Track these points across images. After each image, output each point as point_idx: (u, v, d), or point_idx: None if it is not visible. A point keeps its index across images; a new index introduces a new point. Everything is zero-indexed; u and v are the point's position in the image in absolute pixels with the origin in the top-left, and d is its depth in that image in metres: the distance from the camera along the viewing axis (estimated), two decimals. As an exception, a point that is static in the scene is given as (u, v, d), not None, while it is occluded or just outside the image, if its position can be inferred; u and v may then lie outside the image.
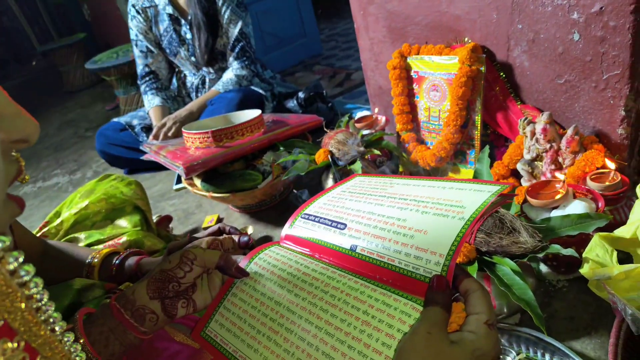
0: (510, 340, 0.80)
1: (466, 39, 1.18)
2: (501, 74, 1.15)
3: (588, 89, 1.00)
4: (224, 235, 0.79)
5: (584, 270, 0.72)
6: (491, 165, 1.17)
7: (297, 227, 0.65)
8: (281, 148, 1.38)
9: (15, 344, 0.33)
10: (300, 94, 1.98)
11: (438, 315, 0.43)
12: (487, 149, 0.97)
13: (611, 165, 0.93)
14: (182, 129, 1.41)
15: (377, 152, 1.27)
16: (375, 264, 0.51)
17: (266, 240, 1.34)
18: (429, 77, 1.27)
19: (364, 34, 1.49)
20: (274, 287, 0.55)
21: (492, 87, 1.16)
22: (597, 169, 0.96)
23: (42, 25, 5.68)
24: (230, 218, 1.53)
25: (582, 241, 0.85)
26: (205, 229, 1.49)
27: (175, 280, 0.55)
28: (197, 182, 1.42)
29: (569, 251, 0.74)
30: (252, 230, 1.35)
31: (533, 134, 1.05)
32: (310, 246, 0.61)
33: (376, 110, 1.47)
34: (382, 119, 1.45)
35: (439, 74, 1.23)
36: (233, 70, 1.98)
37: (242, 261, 0.62)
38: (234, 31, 1.97)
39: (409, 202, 0.57)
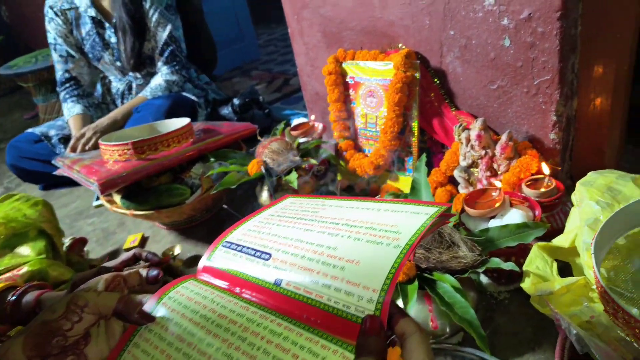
0: (453, 361, 0.76)
1: (400, 45, 1.15)
2: (435, 80, 1.13)
3: (520, 95, 0.99)
4: (128, 271, 0.68)
5: (526, 285, 0.69)
6: (429, 172, 1.14)
7: (216, 257, 0.57)
8: (212, 159, 1.28)
9: None
10: (235, 101, 1.88)
11: None
12: (423, 157, 0.94)
13: (546, 170, 0.92)
14: (99, 141, 1.28)
15: (313, 161, 1.20)
16: (302, 301, 0.44)
17: (196, 260, 1.24)
18: (365, 82, 1.22)
19: (299, 39, 1.43)
20: (183, 335, 0.47)
21: (427, 94, 1.14)
22: (532, 174, 0.95)
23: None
24: (157, 236, 1.41)
25: (521, 251, 0.83)
26: (128, 249, 1.36)
27: (61, 334, 0.45)
28: (117, 198, 1.29)
29: (509, 265, 0.71)
30: (180, 250, 1.24)
31: (468, 140, 1.03)
32: (230, 279, 0.53)
33: (312, 117, 1.42)
34: (319, 126, 1.40)
35: (374, 79, 1.19)
36: (162, 76, 1.85)
37: (149, 301, 0.53)
38: (163, 35, 1.84)
39: (341, 226, 0.50)
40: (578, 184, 0.74)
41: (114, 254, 1.37)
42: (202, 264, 0.58)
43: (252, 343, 0.42)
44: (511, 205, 0.88)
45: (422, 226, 0.45)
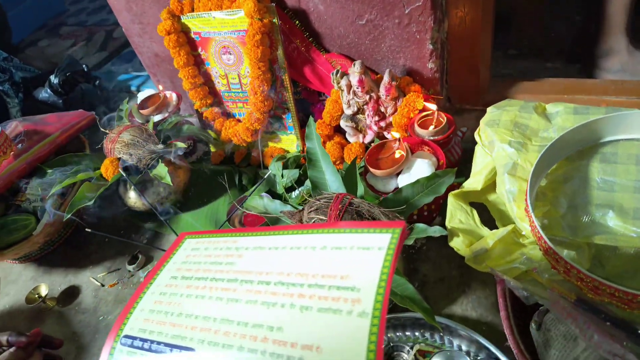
0: (397, 335, 0.73)
1: (246, -14, 0.97)
2: (296, 22, 0.99)
3: (392, 27, 0.91)
4: None
5: (456, 245, 0.66)
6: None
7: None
8: (49, 171, 1.02)
9: None
10: (53, 79, 1.51)
11: None
12: (312, 123, 0.82)
13: (433, 106, 0.88)
14: None
15: (181, 144, 1.02)
16: None
17: (71, 293, 1.02)
18: (215, 37, 1.03)
19: (114, -8, 1.14)
20: None
21: (291, 40, 1.00)
22: (420, 111, 0.91)
23: None
24: (10, 274, 1.13)
25: (435, 199, 0.80)
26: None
27: None
28: None
29: (437, 230, 0.66)
30: (47, 288, 1.00)
31: (349, 87, 0.94)
32: None
33: (161, 87, 1.19)
34: (173, 95, 1.18)
35: (226, 32, 1.01)
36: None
37: None
38: None
39: (275, 288, 0.39)
40: (482, 123, 0.71)
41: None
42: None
43: None
44: (412, 153, 0.84)
45: (383, 273, 0.35)
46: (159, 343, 0.40)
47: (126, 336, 0.43)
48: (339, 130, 1.06)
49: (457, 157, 0.91)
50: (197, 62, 1.09)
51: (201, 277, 0.45)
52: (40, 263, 1.12)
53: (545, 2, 1.31)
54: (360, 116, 0.99)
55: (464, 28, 0.92)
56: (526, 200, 0.54)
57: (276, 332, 0.35)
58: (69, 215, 0.90)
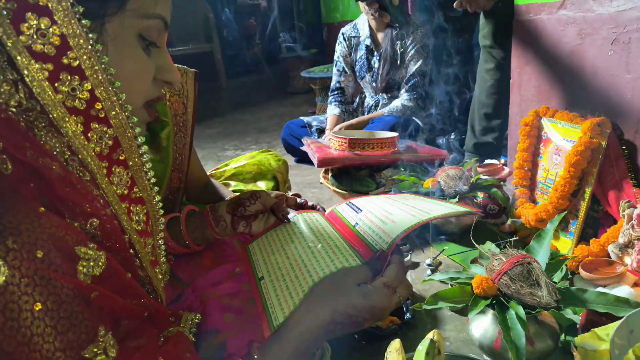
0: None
1: (598, 112, 1.18)
2: (625, 151, 1.12)
3: None
4: (290, 194, 1.04)
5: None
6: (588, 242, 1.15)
7: (339, 208, 0.86)
8: (402, 169, 1.56)
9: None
10: (452, 135, 2.09)
11: (363, 271, 0.60)
12: (551, 231, 0.99)
13: (698, 270, 0.86)
14: (332, 133, 1.71)
15: (480, 195, 1.34)
16: (357, 235, 0.70)
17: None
18: (555, 140, 1.29)
19: (517, 91, 1.56)
20: (298, 233, 0.78)
21: (612, 164, 1.14)
22: (686, 272, 0.90)
23: (292, 37, 6.82)
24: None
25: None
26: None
27: (243, 206, 0.81)
28: (329, 176, 1.70)
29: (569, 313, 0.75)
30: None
31: (630, 218, 1.01)
32: (334, 217, 0.81)
33: (502, 161, 1.53)
34: (506, 169, 1.50)
35: (564, 139, 1.25)
36: (401, 100, 2.22)
37: (292, 213, 0.86)
38: (413, 67, 2.20)
39: (403, 205, 0.73)
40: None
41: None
42: (330, 209, 0.88)
43: (327, 242, 0.70)
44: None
45: (438, 215, 0.64)
46: (355, 205, 0.81)
47: (349, 202, 0.86)
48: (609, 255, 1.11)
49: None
50: (534, 153, 1.37)
51: (392, 198, 0.82)
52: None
53: None
54: (630, 249, 1.03)
55: None
56: None
57: (387, 214, 0.70)
58: (389, 190, 1.40)
